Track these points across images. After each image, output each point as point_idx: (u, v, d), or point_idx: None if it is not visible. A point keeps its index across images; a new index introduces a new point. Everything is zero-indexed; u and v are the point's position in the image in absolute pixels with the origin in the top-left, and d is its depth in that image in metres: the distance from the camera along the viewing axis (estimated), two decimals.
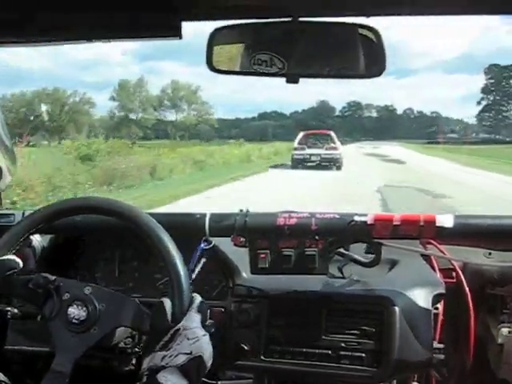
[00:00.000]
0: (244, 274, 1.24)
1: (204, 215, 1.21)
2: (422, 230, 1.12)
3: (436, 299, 1.16)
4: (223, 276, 1.27)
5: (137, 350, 1.09)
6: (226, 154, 22.63)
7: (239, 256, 1.23)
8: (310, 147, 19.06)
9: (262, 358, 1.17)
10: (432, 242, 1.25)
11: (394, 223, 1.12)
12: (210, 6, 0.98)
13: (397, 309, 1.12)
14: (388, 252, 1.18)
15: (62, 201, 1.16)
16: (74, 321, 0.98)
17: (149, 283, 1.32)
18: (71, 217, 1.14)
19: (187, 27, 1.00)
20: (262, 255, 1.16)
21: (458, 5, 0.96)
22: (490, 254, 1.28)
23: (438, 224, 1.11)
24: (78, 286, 1.02)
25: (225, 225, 1.19)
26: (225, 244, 1.22)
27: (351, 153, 26.64)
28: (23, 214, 1.36)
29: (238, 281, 1.24)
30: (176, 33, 1.00)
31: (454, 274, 1.28)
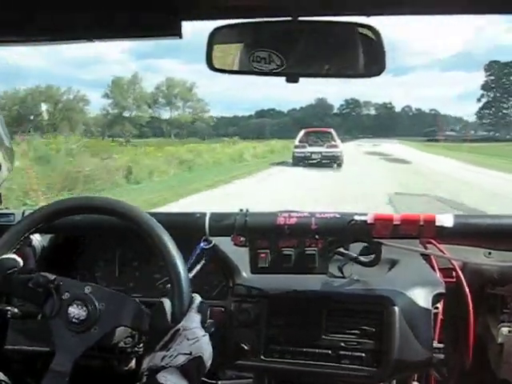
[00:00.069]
0: (244, 274, 1.24)
1: (204, 215, 1.21)
2: (421, 230, 1.12)
3: (436, 299, 1.16)
4: (223, 276, 1.27)
5: (136, 349, 1.10)
6: (217, 152, 21.39)
7: (239, 255, 1.23)
8: (311, 145, 19.02)
9: (262, 357, 1.17)
10: (432, 241, 1.25)
11: (394, 223, 1.12)
12: (209, 6, 0.98)
13: (397, 308, 1.12)
14: (388, 251, 1.18)
15: (62, 200, 1.15)
16: (74, 320, 0.98)
17: (149, 283, 1.32)
18: (71, 216, 1.14)
19: (186, 26, 1.00)
20: (262, 255, 1.16)
21: (458, 5, 0.96)
22: (489, 253, 1.28)
23: (437, 224, 1.11)
24: (78, 285, 1.02)
25: (225, 224, 1.19)
26: (225, 243, 1.22)
27: (350, 151, 24.90)
28: (23, 213, 1.37)
29: (238, 280, 1.24)
30: (176, 32, 1.00)
31: (453, 273, 1.28)
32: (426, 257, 1.28)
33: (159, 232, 1.02)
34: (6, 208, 1.54)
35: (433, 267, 1.26)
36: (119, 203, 1.09)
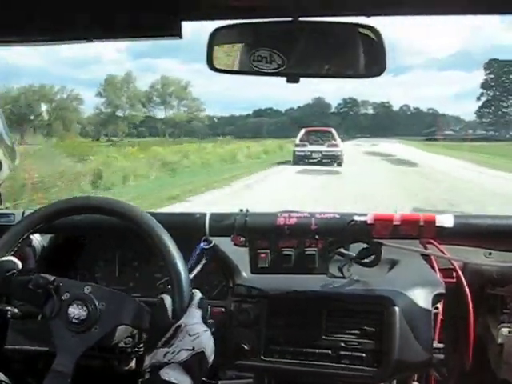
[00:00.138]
0: (244, 274, 1.24)
1: (204, 215, 1.21)
2: (421, 230, 1.12)
3: (436, 299, 1.16)
4: (223, 276, 1.27)
5: (137, 349, 1.10)
6: (206, 153, 19.83)
7: (239, 256, 1.23)
8: (312, 144, 19.07)
9: (262, 357, 1.17)
10: (432, 241, 1.25)
11: (394, 223, 1.12)
12: (210, 6, 0.98)
13: (397, 309, 1.12)
14: (388, 252, 1.18)
15: (62, 200, 1.15)
16: (74, 320, 0.98)
17: (149, 283, 1.33)
18: (71, 216, 1.14)
19: (186, 26, 1.00)
20: (262, 255, 1.16)
21: (458, 5, 0.96)
22: (490, 253, 1.28)
23: (437, 224, 1.11)
24: (78, 285, 1.02)
25: (225, 224, 1.19)
26: (225, 244, 1.22)
27: (349, 151, 22.77)
28: (23, 213, 1.36)
29: (238, 280, 1.24)
30: (176, 33, 1.00)
31: (454, 273, 1.28)
32: (426, 257, 1.28)
33: (159, 232, 1.02)
34: (7, 208, 1.54)
35: (433, 267, 1.26)
36: (119, 203, 1.09)
